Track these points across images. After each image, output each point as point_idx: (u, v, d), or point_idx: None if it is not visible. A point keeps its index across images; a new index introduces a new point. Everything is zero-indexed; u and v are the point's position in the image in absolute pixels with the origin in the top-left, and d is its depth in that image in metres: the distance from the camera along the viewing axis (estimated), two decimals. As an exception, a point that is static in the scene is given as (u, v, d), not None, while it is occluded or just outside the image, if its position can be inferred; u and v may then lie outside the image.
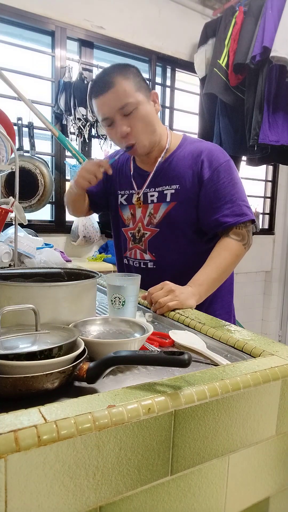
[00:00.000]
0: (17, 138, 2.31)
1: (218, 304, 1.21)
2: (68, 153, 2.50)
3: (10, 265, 1.40)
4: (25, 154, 2.39)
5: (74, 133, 2.51)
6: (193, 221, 1.16)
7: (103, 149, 2.62)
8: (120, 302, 0.83)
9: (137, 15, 2.72)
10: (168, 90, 3.04)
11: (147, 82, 1.15)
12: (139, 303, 1.02)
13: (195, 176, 1.13)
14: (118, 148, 1.21)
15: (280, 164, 3.58)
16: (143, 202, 1.22)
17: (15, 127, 2.13)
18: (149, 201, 1.20)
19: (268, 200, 3.80)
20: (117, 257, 1.37)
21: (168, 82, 3.04)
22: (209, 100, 2.78)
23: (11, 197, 1.23)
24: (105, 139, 2.61)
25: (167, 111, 3.04)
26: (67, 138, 2.39)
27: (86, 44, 2.61)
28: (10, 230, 1.51)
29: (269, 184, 3.79)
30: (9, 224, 1.32)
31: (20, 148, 2.37)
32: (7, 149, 1.24)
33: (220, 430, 0.52)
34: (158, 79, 2.98)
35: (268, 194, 3.80)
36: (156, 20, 2.81)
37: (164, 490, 0.48)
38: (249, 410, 0.55)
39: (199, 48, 2.78)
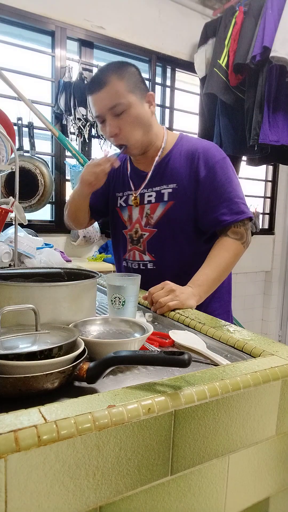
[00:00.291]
0: (17, 138, 2.32)
1: (217, 303, 1.21)
2: (68, 153, 2.51)
3: (10, 265, 1.40)
4: (25, 154, 2.39)
5: (74, 133, 2.51)
6: (191, 220, 1.15)
7: (103, 149, 2.62)
8: (120, 302, 0.83)
9: (137, 15, 2.72)
10: (168, 90, 3.04)
11: (146, 82, 1.15)
12: (139, 303, 1.02)
13: (192, 174, 1.12)
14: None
15: (280, 164, 3.58)
16: (139, 202, 1.21)
17: (15, 127, 2.13)
18: (146, 202, 1.20)
19: (268, 200, 3.80)
20: (116, 260, 1.37)
21: (168, 82, 3.04)
22: (209, 100, 2.78)
23: (11, 197, 1.23)
24: (105, 139, 2.61)
25: (167, 111, 3.04)
26: (67, 138, 2.39)
27: (86, 44, 2.61)
28: (10, 230, 1.51)
29: (269, 184, 3.79)
30: (9, 224, 1.32)
31: (20, 148, 2.37)
32: (7, 149, 1.24)
33: (220, 430, 0.52)
34: (158, 79, 2.98)
35: (268, 194, 3.80)
36: (156, 20, 2.81)
37: (164, 490, 0.48)
38: (249, 410, 0.55)
39: (199, 48, 2.78)
